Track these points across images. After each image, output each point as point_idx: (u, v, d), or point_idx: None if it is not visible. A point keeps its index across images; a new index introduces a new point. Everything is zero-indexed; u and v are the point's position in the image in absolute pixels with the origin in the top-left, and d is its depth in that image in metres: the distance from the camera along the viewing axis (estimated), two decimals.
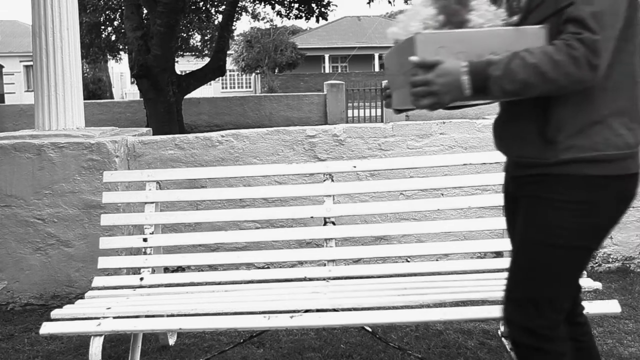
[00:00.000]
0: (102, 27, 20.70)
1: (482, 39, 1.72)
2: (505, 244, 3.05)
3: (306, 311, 2.59)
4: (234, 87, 43.43)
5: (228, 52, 18.16)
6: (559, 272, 1.74)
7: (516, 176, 1.85)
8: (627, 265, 4.29)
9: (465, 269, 3.08)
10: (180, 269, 3.99)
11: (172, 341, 3.31)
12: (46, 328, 2.57)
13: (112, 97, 32.32)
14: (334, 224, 3.07)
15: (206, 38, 23.75)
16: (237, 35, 36.47)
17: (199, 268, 3.82)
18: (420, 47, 1.69)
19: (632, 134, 1.69)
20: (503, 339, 3.23)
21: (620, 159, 1.68)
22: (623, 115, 1.68)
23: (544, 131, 1.69)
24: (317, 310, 2.61)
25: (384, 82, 2.01)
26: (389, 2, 29.44)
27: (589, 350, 1.97)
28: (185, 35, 21.91)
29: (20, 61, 38.14)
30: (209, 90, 35.64)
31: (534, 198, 1.75)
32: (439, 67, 1.64)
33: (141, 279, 3.03)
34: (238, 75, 42.40)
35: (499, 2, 1.83)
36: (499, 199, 3.11)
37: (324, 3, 18.10)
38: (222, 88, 42.20)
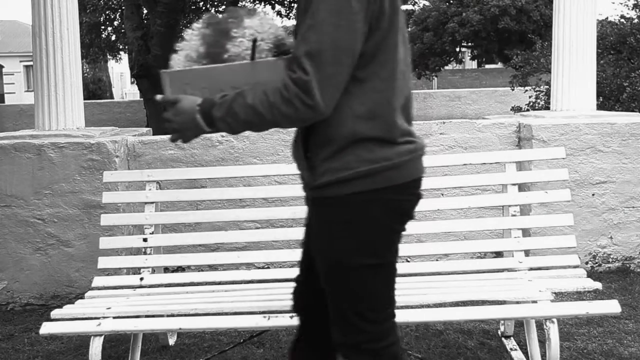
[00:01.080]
0: (102, 27, 20.69)
1: (221, 74, 1.74)
2: (505, 244, 3.06)
3: None
4: None
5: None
6: (353, 288, 1.75)
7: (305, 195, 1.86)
8: (627, 265, 4.29)
9: (465, 269, 3.08)
10: (180, 269, 3.99)
11: (172, 341, 3.31)
12: (46, 328, 2.57)
13: (112, 97, 32.30)
14: None
15: None
16: None
17: (199, 268, 3.82)
18: (167, 84, 1.75)
19: (388, 149, 1.67)
20: (503, 339, 3.23)
21: (377, 173, 1.66)
22: (378, 139, 1.66)
23: (306, 156, 1.73)
24: None
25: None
26: None
27: None
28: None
29: (20, 61, 38.13)
30: None
31: (312, 224, 1.83)
32: (176, 106, 1.69)
33: (141, 279, 3.03)
34: None
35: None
36: (499, 199, 3.12)
37: None
38: None
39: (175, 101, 1.70)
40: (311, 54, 1.54)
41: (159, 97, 1.74)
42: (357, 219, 1.70)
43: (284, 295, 2.80)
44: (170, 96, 1.72)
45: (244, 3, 20.41)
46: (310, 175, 1.73)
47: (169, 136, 1.77)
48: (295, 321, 2.55)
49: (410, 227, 3.26)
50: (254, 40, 1.75)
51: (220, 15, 1.87)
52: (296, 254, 3.24)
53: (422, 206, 3.19)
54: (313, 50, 1.54)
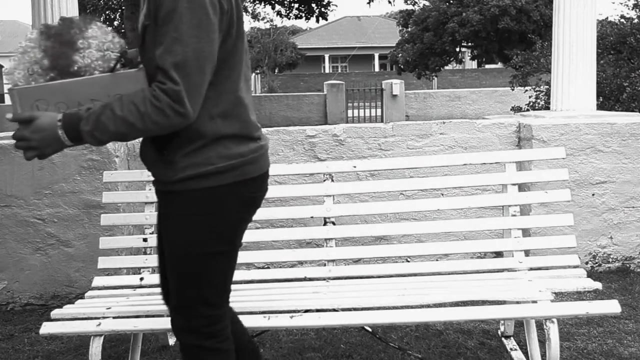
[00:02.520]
0: None
1: (79, 88, 1.74)
2: (505, 244, 3.06)
3: (306, 311, 2.59)
4: None
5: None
6: (204, 275, 1.88)
7: (156, 190, 1.95)
8: (627, 265, 4.29)
9: (465, 269, 3.08)
10: None
11: (172, 341, 3.31)
12: (46, 328, 2.57)
13: None
14: (334, 224, 3.07)
15: None
16: None
17: None
18: (17, 102, 1.70)
19: (243, 146, 1.84)
20: (503, 339, 3.23)
21: (234, 168, 1.82)
22: (234, 137, 1.82)
23: (163, 154, 1.81)
24: (317, 310, 2.61)
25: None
26: (389, 2, 29.47)
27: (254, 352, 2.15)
28: None
29: None
30: None
31: (165, 215, 1.90)
32: (34, 124, 1.69)
33: (141, 279, 3.03)
34: None
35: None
36: (499, 199, 3.12)
37: (324, 3, 18.10)
38: None
39: (31, 119, 1.70)
40: (178, 65, 1.64)
41: (9, 116, 1.70)
42: (215, 210, 1.84)
43: (284, 295, 2.81)
44: (24, 114, 1.71)
45: (244, 3, 20.40)
46: (168, 170, 1.82)
47: (25, 155, 1.73)
48: (295, 321, 2.56)
49: (410, 227, 3.30)
50: (123, 53, 1.81)
51: (56, 25, 1.83)
52: (296, 254, 3.26)
53: (422, 206, 3.23)
54: (179, 62, 1.65)
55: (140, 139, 1.90)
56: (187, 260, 1.87)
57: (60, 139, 1.70)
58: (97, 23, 1.85)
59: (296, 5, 18.34)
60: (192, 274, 1.88)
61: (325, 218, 3.08)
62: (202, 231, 1.84)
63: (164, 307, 2.67)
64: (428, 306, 2.86)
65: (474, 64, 37.49)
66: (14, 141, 1.78)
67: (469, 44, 23.67)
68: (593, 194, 4.23)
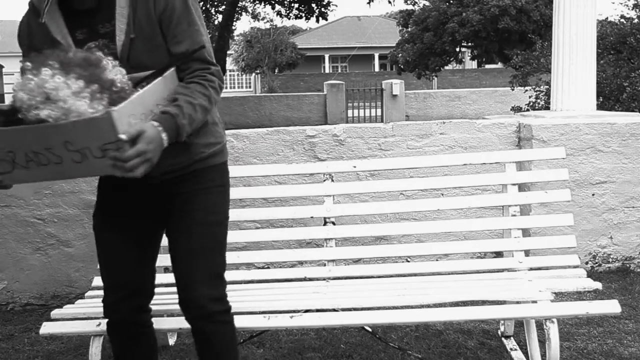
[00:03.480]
0: None
1: (149, 96, 1.87)
2: (506, 244, 3.06)
3: (306, 311, 2.59)
4: (234, 87, 43.41)
5: (228, 52, 18.16)
6: (225, 242, 2.16)
7: (165, 180, 2.06)
8: (627, 265, 4.29)
9: (465, 269, 3.08)
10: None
11: (172, 341, 3.31)
12: (46, 328, 2.57)
13: None
14: (334, 224, 3.07)
15: None
16: (237, 35, 36.48)
17: None
18: (116, 123, 1.71)
19: (221, 130, 2.18)
20: (503, 339, 3.23)
21: (225, 147, 2.18)
22: (217, 122, 2.15)
23: (184, 140, 1.96)
24: (317, 310, 2.61)
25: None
26: (389, 2, 29.47)
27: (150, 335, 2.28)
28: None
29: (20, 61, 38.14)
30: None
31: (192, 191, 2.08)
32: (144, 136, 1.75)
33: None
34: (238, 75, 42.40)
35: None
36: (499, 199, 3.12)
37: (324, 3, 18.12)
38: None
39: (139, 133, 1.74)
40: (208, 50, 1.99)
41: (123, 136, 1.70)
42: (227, 182, 2.17)
43: (284, 295, 2.81)
44: (132, 131, 1.73)
45: (244, 3, 20.42)
46: (185, 154, 2.02)
47: (137, 173, 1.74)
48: (295, 321, 2.55)
49: (410, 227, 3.29)
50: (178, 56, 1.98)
51: (74, 53, 1.85)
52: (296, 254, 3.26)
53: (422, 206, 3.23)
54: (207, 47, 1.99)
55: None
56: (221, 229, 2.13)
57: (163, 144, 1.81)
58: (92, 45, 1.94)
59: (296, 5, 18.36)
60: (223, 242, 2.13)
61: (325, 218, 3.08)
62: (227, 200, 2.16)
63: (164, 307, 2.68)
64: (428, 306, 2.86)
65: (474, 64, 37.49)
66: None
67: (469, 44, 23.67)
68: (593, 194, 4.23)
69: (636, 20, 8.16)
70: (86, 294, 2.98)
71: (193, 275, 2.08)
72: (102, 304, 2.18)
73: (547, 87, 7.57)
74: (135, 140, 1.73)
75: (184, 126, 1.86)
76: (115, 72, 1.82)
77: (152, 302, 2.81)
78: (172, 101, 1.89)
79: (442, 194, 4.15)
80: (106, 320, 2.19)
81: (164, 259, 3.16)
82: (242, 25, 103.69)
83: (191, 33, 1.96)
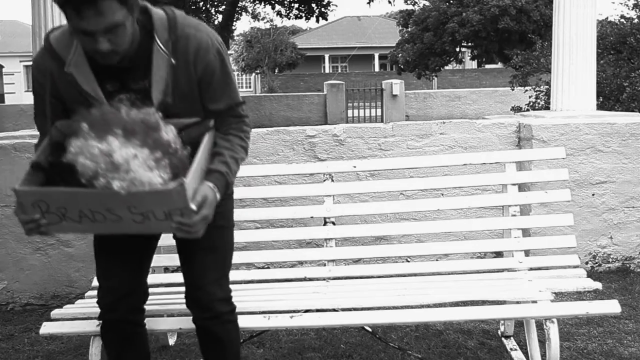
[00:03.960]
0: None
1: (202, 161, 1.99)
2: (506, 244, 3.06)
3: (306, 311, 2.59)
4: None
5: (228, 52, 18.14)
6: (233, 247, 2.29)
7: None
8: (627, 265, 4.29)
9: (465, 269, 3.08)
10: (180, 269, 3.98)
11: (172, 341, 3.31)
12: (46, 328, 2.57)
13: None
14: (334, 224, 3.07)
15: None
16: (237, 35, 36.48)
17: None
18: (189, 194, 1.84)
19: None
20: (503, 339, 3.23)
21: None
22: None
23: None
24: (317, 311, 2.61)
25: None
26: (389, 2, 29.47)
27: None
28: None
29: (20, 61, 38.11)
30: None
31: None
32: (207, 202, 1.92)
33: None
34: (238, 75, 42.39)
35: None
36: (499, 199, 3.12)
37: (324, 3, 18.12)
38: None
39: (204, 200, 1.91)
40: (241, 104, 2.13)
41: (194, 206, 1.85)
42: (232, 190, 2.26)
43: (284, 295, 2.81)
44: (199, 198, 1.90)
45: (244, 3, 20.42)
46: None
47: (199, 233, 1.90)
48: (295, 321, 2.55)
49: (410, 227, 3.29)
50: (210, 124, 2.07)
51: (133, 119, 1.88)
52: (296, 254, 3.26)
53: (422, 206, 3.23)
54: (240, 100, 2.13)
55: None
56: (230, 232, 2.26)
57: (217, 201, 1.99)
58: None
59: (296, 5, 18.36)
60: (231, 245, 2.27)
61: (325, 218, 3.08)
62: (233, 207, 2.29)
63: (164, 307, 2.68)
64: (428, 306, 2.86)
65: (474, 64, 37.48)
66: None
67: (469, 44, 23.66)
68: (593, 194, 4.23)
69: (636, 20, 8.15)
70: (86, 294, 2.97)
71: (205, 276, 2.17)
72: (98, 305, 2.21)
73: (547, 87, 7.57)
74: (201, 207, 1.88)
75: (232, 183, 2.11)
76: (168, 131, 1.88)
77: (153, 302, 2.81)
78: (217, 155, 2.04)
79: (442, 194, 4.15)
80: (101, 321, 2.23)
81: (164, 259, 3.17)
82: (242, 25, 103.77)
83: (229, 92, 2.08)
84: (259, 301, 2.73)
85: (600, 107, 6.48)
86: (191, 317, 2.52)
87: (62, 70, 1.95)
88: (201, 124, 2.04)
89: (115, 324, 2.21)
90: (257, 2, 19.93)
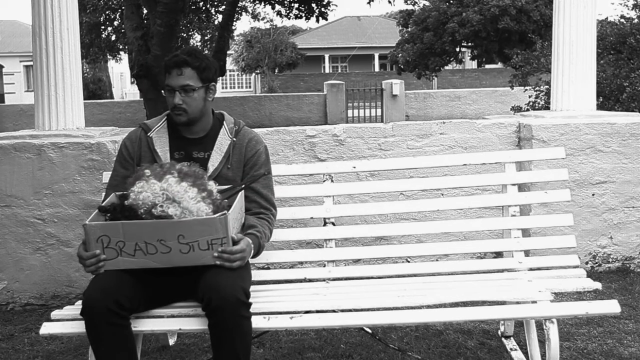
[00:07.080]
0: (102, 27, 20.68)
1: (238, 208, 2.48)
2: (505, 244, 3.05)
3: (306, 312, 2.58)
4: (234, 87, 43.41)
5: (228, 52, 18.14)
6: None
7: None
8: (627, 265, 4.29)
9: (465, 269, 3.08)
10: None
11: (172, 341, 3.31)
12: (46, 328, 2.57)
13: (112, 97, 32.29)
14: (333, 224, 3.07)
15: (206, 38, 23.74)
16: (237, 35, 36.46)
17: None
18: (229, 227, 2.29)
19: None
20: (503, 339, 3.23)
21: None
22: None
23: None
24: (317, 311, 2.61)
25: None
26: (389, 2, 29.44)
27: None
28: (185, 35, 21.90)
29: (20, 61, 38.12)
30: None
31: None
32: (245, 240, 2.42)
33: None
34: (238, 75, 42.39)
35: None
36: (499, 199, 3.12)
37: (324, 3, 18.09)
38: (222, 88, 42.16)
39: (242, 237, 2.41)
40: (275, 204, 2.77)
41: (233, 234, 2.35)
42: None
43: (284, 296, 2.80)
44: (234, 236, 2.37)
45: (244, 3, 20.40)
46: None
47: (235, 265, 2.36)
48: (295, 322, 2.55)
49: (410, 227, 3.29)
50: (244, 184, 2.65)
51: (187, 170, 2.43)
52: (296, 255, 3.25)
53: (422, 206, 3.23)
54: (273, 197, 2.77)
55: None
56: (249, 271, 2.60)
57: (250, 254, 2.47)
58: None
59: (296, 5, 18.33)
60: (250, 277, 2.61)
61: (325, 218, 3.08)
62: None
63: (164, 308, 2.68)
64: (428, 306, 2.86)
65: (474, 64, 37.47)
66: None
67: (469, 44, 23.64)
68: (593, 194, 4.23)
69: (636, 20, 8.16)
70: None
71: (220, 275, 2.33)
72: (82, 300, 2.34)
73: (547, 87, 7.57)
74: (238, 242, 2.36)
75: (263, 247, 2.59)
76: (212, 184, 2.42)
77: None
78: (251, 227, 2.56)
79: (442, 194, 4.15)
80: (87, 312, 2.32)
81: None
82: (242, 25, 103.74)
83: (269, 185, 2.74)
84: (259, 302, 2.72)
85: (600, 107, 6.48)
86: (191, 318, 2.53)
87: (146, 135, 2.66)
88: (234, 188, 2.55)
89: (100, 314, 2.28)
90: (257, 2, 19.90)
